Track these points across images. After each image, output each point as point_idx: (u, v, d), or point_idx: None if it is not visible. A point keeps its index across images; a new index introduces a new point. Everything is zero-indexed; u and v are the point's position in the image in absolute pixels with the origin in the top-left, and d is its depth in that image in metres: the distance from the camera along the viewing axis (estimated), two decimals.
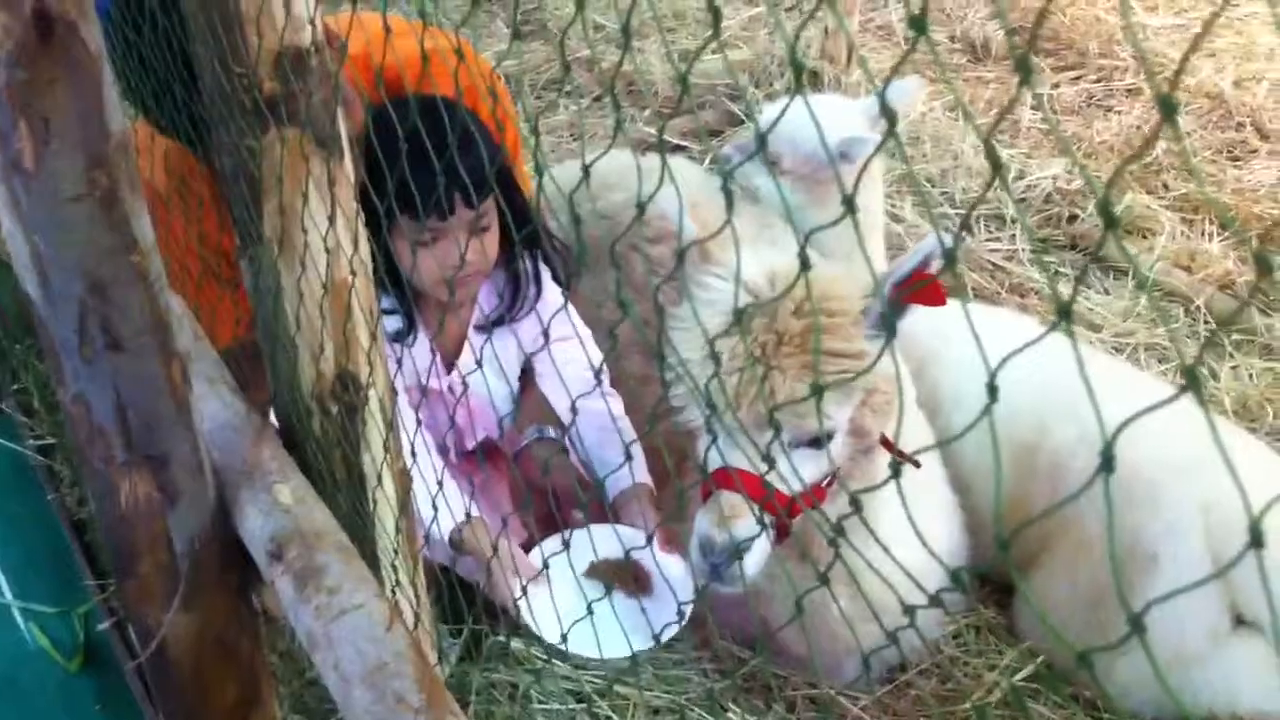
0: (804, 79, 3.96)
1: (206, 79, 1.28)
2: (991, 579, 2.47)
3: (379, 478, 1.38)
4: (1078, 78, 4.37)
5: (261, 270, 1.32)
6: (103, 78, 1.09)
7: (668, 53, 4.27)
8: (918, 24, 0.62)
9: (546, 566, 1.39)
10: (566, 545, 1.44)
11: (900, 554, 1.21)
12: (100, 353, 1.14)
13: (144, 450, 1.19)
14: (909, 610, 0.79)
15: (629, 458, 1.20)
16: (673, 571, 2.08)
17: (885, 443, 2.06)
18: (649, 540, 1.13)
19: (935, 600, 0.79)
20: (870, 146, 2.68)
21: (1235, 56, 4.39)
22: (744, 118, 3.94)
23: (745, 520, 1.90)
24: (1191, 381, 0.55)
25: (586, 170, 0.92)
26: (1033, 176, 3.68)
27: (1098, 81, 4.34)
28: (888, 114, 0.71)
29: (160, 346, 1.17)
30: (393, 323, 2.11)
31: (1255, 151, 3.91)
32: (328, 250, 1.30)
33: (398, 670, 1.07)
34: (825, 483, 2.01)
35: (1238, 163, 3.84)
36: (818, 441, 1.96)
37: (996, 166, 0.71)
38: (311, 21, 1.26)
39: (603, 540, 1.86)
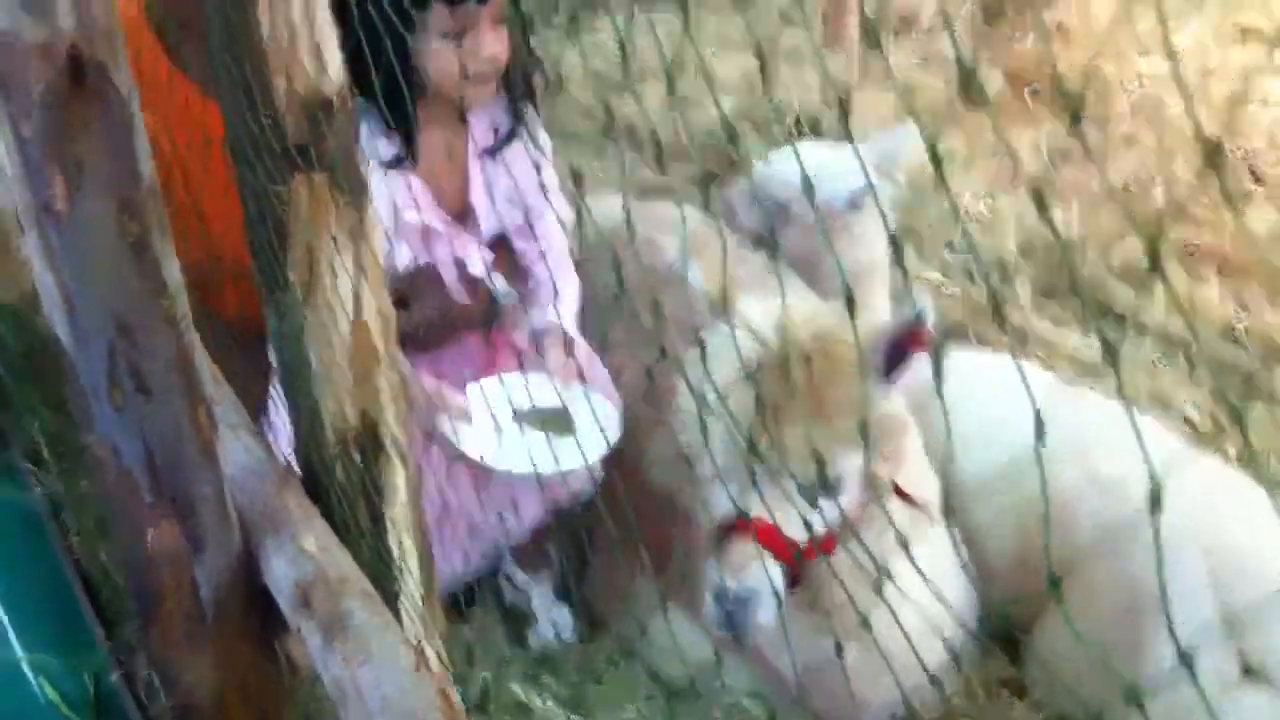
0: (804, 125, 4.01)
1: (232, 123, 1.29)
2: (1000, 629, 2.47)
3: (402, 525, 1.38)
4: (1075, 124, 4.40)
5: (286, 315, 1.32)
6: (134, 121, 1.09)
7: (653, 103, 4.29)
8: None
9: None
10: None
11: (912, 607, 1.21)
12: (129, 397, 1.13)
13: (171, 495, 1.19)
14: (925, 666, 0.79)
15: None
16: (601, 405, 2.15)
17: (897, 490, 2.06)
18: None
19: (951, 654, 0.79)
20: (880, 196, 2.70)
21: (1229, 104, 4.42)
22: (743, 163, 3.96)
23: (757, 568, 1.90)
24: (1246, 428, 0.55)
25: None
26: (1031, 222, 3.70)
27: (1095, 129, 4.37)
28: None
29: (188, 390, 1.17)
30: (389, 150, 2.08)
31: (1249, 195, 3.93)
32: (355, 296, 1.30)
33: (426, 718, 1.06)
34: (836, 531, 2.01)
35: (1235, 209, 3.86)
36: (828, 489, 1.96)
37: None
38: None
39: (532, 384, 2.00)
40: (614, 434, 2.07)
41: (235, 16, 1.19)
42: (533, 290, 2.32)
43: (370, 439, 1.34)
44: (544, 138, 2.30)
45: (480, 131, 2.22)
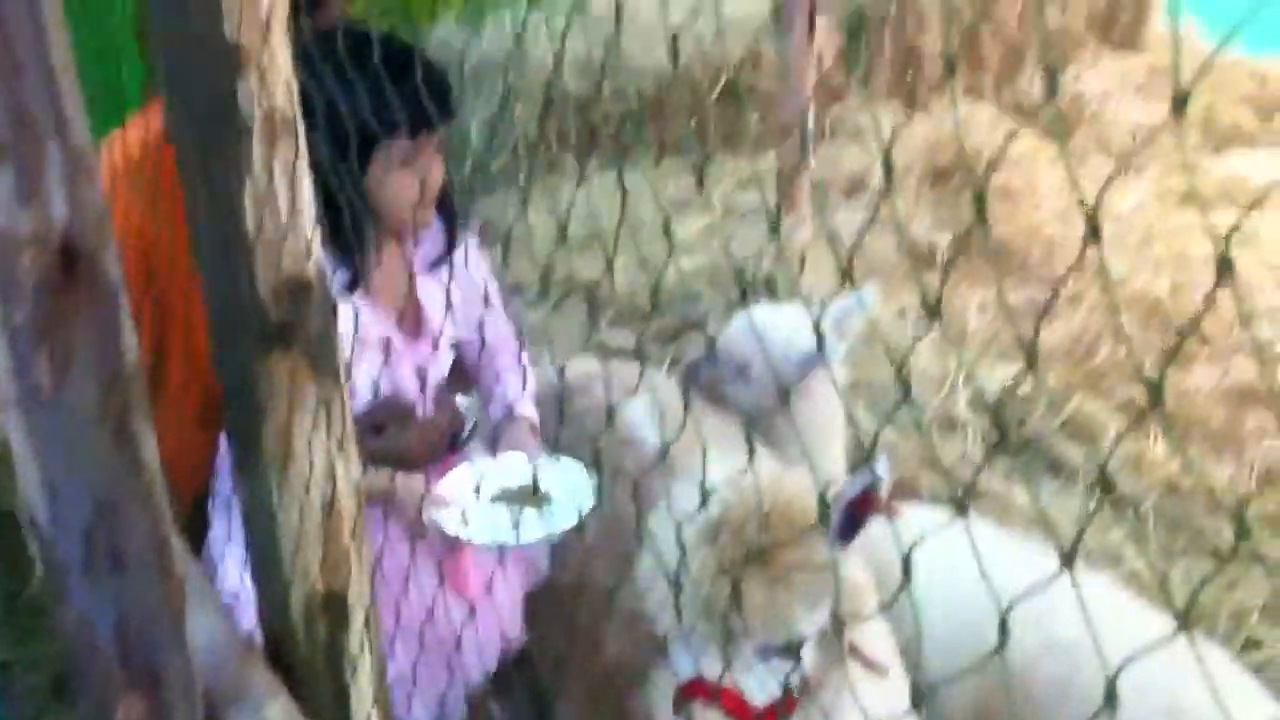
0: (760, 285, 4.11)
1: (214, 304, 1.33)
2: None
3: (367, 697, 1.39)
4: (1021, 284, 4.53)
5: (259, 489, 1.34)
6: (120, 305, 1.13)
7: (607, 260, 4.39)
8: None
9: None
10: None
11: None
12: (105, 573, 1.15)
13: (141, 669, 1.20)
14: None
15: None
16: (573, 477, 2.24)
17: (854, 650, 2.09)
18: None
19: None
20: (837, 357, 2.78)
21: (1171, 265, 4.57)
22: (701, 324, 4.05)
23: None
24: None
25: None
26: (982, 382, 3.79)
27: (1040, 288, 4.50)
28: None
29: (162, 567, 1.19)
30: (342, 278, 2.14)
31: (1194, 357, 4.05)
32: (328, 471, 1.33)
33: None
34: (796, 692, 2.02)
35: (1178, 367, 3.97)
36: (789, 650, 1.99)
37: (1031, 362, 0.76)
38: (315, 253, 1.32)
39: (505, 465, 2.15)
40: (589, 499, 2.14)
41: (222, 205, 1.24)
42: (491, 388, 2.46)
43: (337, 612, 1.36)
44: (475, 244, 2.40)
45: (425, 249, 2.32)
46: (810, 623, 2.01)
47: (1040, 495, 3.25)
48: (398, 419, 2.25)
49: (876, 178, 5.11)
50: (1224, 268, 0.62)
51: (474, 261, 2.32)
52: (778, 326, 2.99)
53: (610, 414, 1.99)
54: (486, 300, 2.27)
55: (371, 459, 2.07)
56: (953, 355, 3.95)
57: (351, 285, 2.16)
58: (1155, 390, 0.68)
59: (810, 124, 4.42)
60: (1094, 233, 0.68)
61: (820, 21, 4.48)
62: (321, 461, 1.32)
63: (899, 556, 2.51)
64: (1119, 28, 6.25)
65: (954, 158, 5.24)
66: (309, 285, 1.31)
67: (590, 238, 4.55)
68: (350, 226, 1.98)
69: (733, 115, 5.26)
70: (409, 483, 2.17)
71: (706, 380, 3.00)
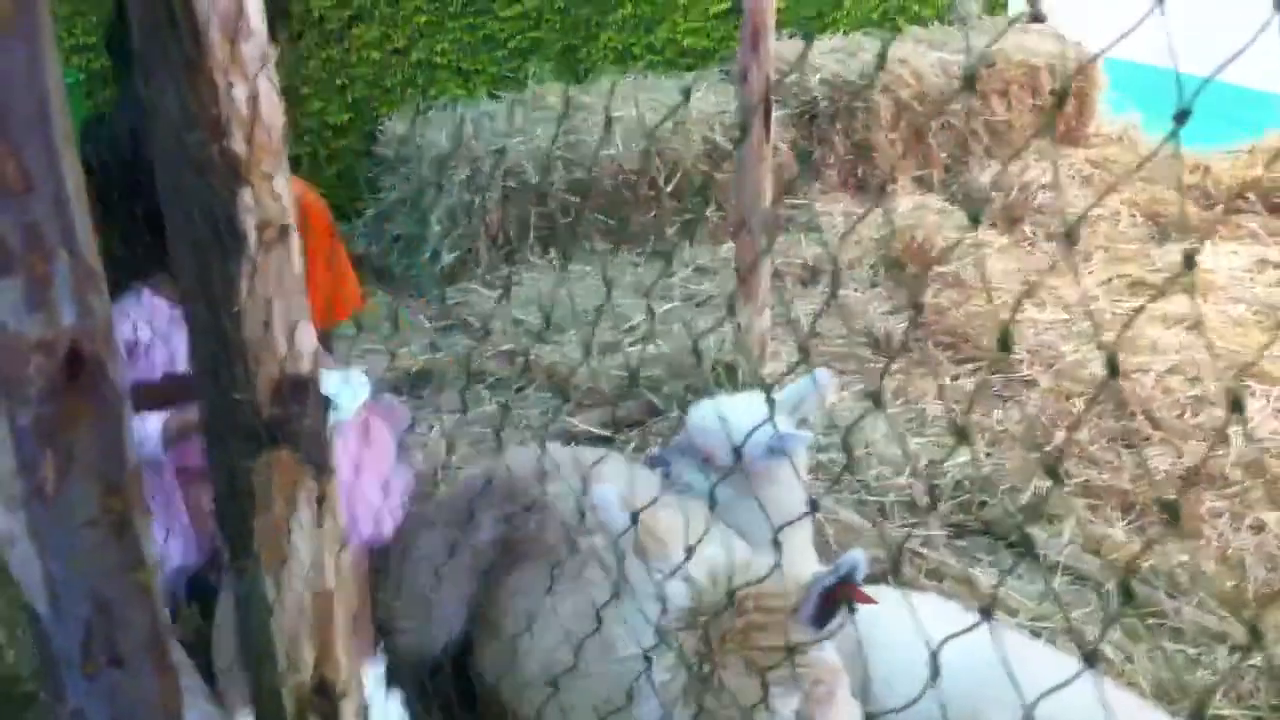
0: (720, 372, 4.17)
1: (207, 402, 1.36)
2: None
3: None
4: (976, 370, 4.63)
5: (250, 583, 1.37)
6: (124, 411, 1.17)
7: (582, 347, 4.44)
8: None
9: None
10: None
11: None
12: (103, 668, 1.17)
13: None
14: None
15: None
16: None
17: None
18: None
19: None
20: (800, 443, 2.83)
21: (1123, 350, 4.68)
22: (663, 410, 4.10)
23: None
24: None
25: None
26: (942, 466, 3.85)
27: (995, 373, 4.60)
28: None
29: (158, 661, 1.21)
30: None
31: (1149, 439, 4.14)
32: (318, 565, 1.36)
33: None
34: None
35: (1132, 449, 4.05)
36: None
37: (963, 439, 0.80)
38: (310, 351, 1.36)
39: None
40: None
41: (219, 309, 1.28)
42: None
43: (330, 701, 1.38)
44: None
45: None
46: (786, 706, 2.05)
47: (1004, 578, 3.30)
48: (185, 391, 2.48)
49: (828, 266, 5.21)
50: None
51: None
52: (739, 414, 3.04)
53: (580, 499, 2.03)
54: None
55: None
56: (910, 439, 4.02)
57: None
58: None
59: (766, 215, 4.51)
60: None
61: (775, 115, 4.59)
62: (314, 555, 1.35)
63: (869, 636, 2.54)
64: (1063, 122, 6.43)
65: (905, 247, 5.36)
66: (303, 384, 1.35)
67: (550, 325, 4.62)
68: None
69: (690, 206, 5.36)
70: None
71: (671, 468, 3.04)
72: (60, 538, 1.15)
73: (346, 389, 2.64)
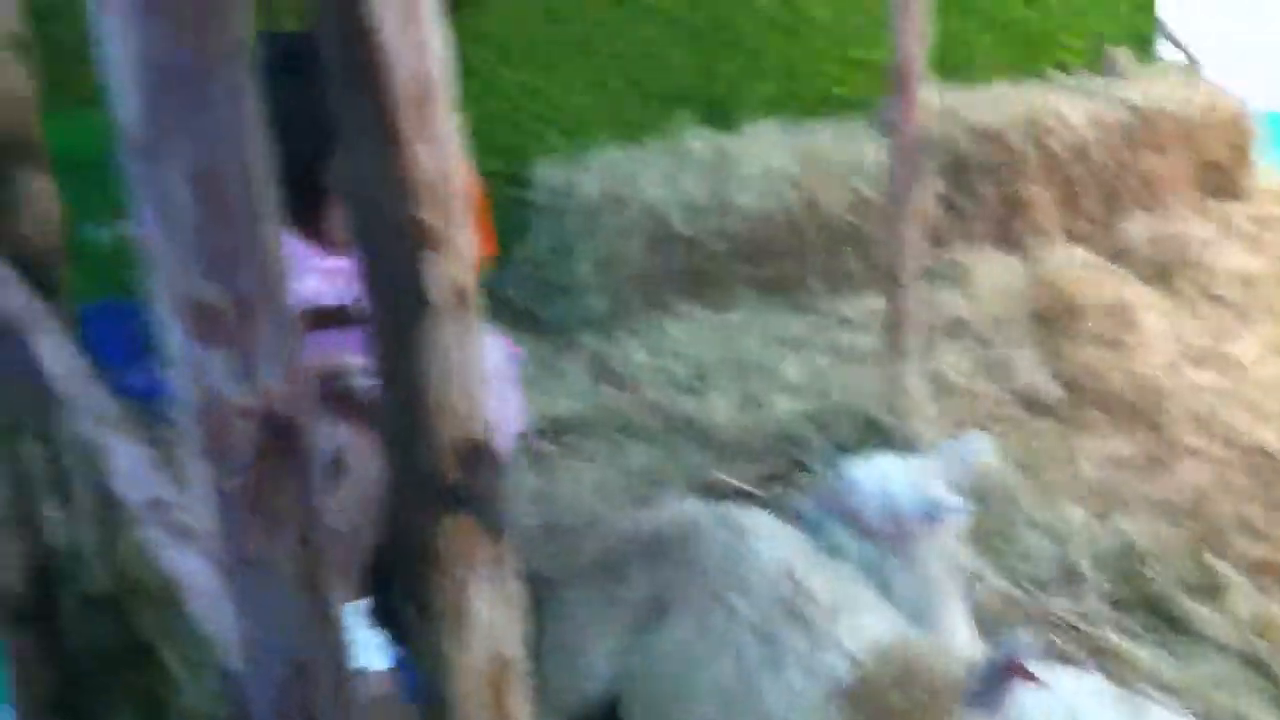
0: (870, 431, 4.10)
1: (391, 465, 1.38)
2: None
3: None
4: (1133, 433, 4.48)
5: (428, 646, 1.37)
6: (315, 470, 1.18)
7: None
8: None
9: None
10: None
11: None
12: None
13: None
14: None
15: None
16: None
17: None
18: None
19: None
20: (955, 510, 2.77)
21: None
22: (809, 466, 4.05)
23: None
24: None
25: None
26: (1098, 537, 3.73)
27: (1155, 439, 4.43)
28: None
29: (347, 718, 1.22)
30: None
31: None
32: (493, 628, 1.36)
33: None
34: None
35: None
36: None
37: None
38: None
39: None
40: None
41: (407, 374, 1.29)
42: None
43: None
44: None
45: None
46: None
47: (1166, 656, 3.18)
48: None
49: (979, 321, 5.11)
50: None
51: None
52: (893, 476, 2.99)
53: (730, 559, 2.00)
54: None
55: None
56: (1069, 507, 3.90)
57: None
58: None
59: (914, 267, 4.45)
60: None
61: (924, 163, 4.53)
62: (493, 620, 1.35)
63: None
64: (1219, 176, 6.25)
65: (1056, 303, 5.23)
66: (484, 448, 1.35)
67: (697, 376, 4.60)
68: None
69: (837, 256, 5.32)
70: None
71: (819, 528, 3.00)
72: (262, 600, 1.16)
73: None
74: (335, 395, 2.68)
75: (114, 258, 3.79)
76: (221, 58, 1.04)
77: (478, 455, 1.36)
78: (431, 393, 1.33)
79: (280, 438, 1.13)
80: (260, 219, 1.11)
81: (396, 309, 1.31)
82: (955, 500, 2.84)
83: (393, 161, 1.25)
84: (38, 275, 2.51)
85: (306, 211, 2.48)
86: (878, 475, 2.98)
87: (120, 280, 3.80)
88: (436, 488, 1.34)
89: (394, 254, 1.29)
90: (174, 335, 1.13)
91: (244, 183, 1.09)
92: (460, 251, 1.30)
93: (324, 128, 1.82)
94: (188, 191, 1.06)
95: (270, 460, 1.13)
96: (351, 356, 2.64)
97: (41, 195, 2.57)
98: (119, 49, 1.03)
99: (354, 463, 2.74)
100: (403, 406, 1.34)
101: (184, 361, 1.12)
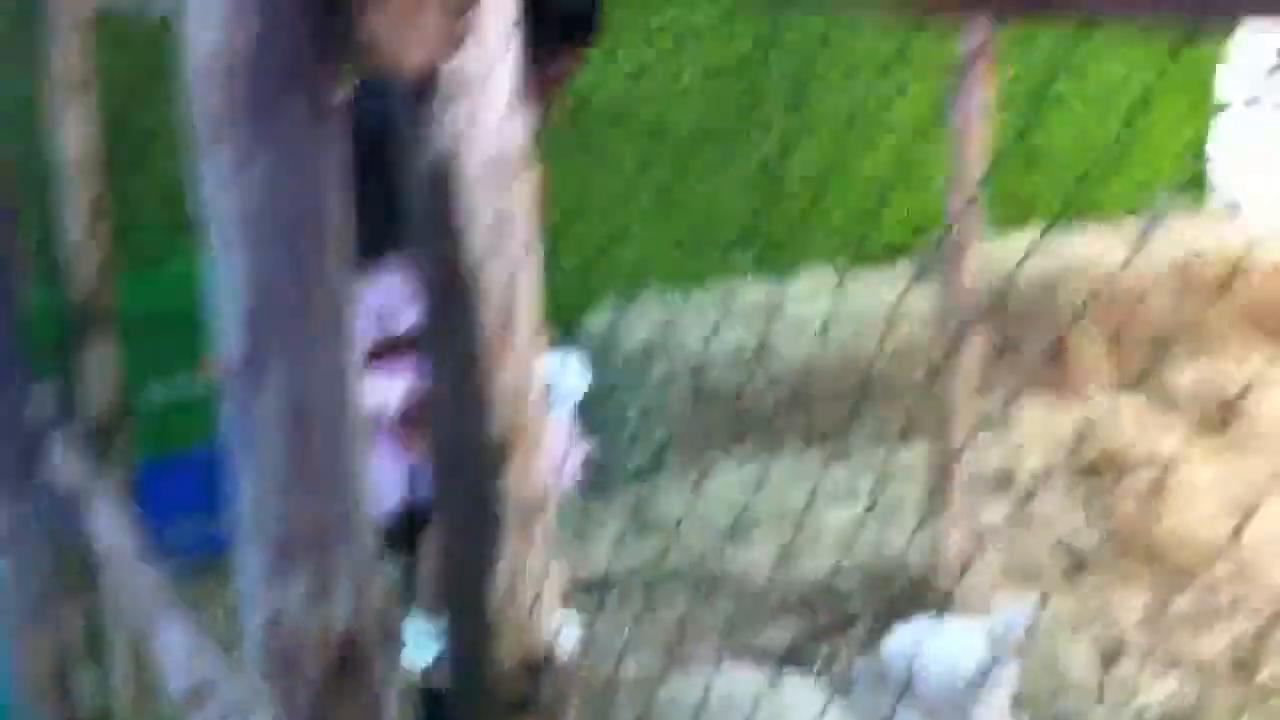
0: (914, 588, 4.08)
1: (456, 673, 1.39)
2: None
3: None
4: (1178, 589, 4.43)
5: None
6: (387, 703, 1.21)
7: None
8: None
9: None
10: None
11: None
12: None
13: None
14: None
15: None
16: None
17: None
18: None
19: None
20: (1006, 682, 2.75)
21: None
22: (853, 625, 4.02)
23: None
24: None
25: None
26: (1144, 697, 3.68)
27: (1199, 594, 4.38)
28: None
29: None
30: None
31: None
32: None
33: None
34: None
35: None
36: None
37: None
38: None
39: None
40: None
41: (475, 587, 1.31)
42: None
43: None
44: None
45: None
46: None
47: None
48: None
49: (1025, 472, 5.10)
50: None
51: None
52: (941, 643, 2.98)
53: None
54: None
55: None
56: (1113, 667, 3.86)
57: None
58: None
59: (962, 418, 4.46)
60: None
61: (973, 313, 4.57)
62: None
63: None
64: (1269, 320, 6.23)
65: (1101, 453, 5.21)
66: (548, 659, 1.37)
67: (739, 527, 4.60)
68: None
69: (880, 406, 5.33)
70: None
71: (865, 697, 2.98)
72: None
73: (564, 374, 3.09)
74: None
75: (173, 413, 3.87)
76: (324, 291, 1.09)
77: (541, 665, 1.38)
78: (495, 608, 1.35)
79: (350, 662, 1.15)
80: (349, 449, 1.15)
81: (467, 525, 1.34)
82: (1005, 669, 2.82)
83: (475, 383, 1.29)
84: (99, 439, 2.56)
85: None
86: (926, 642, 2.97)
87: (178, 434, 3.90)
88: (499, 699, 1.35)
89: (470, 469, 1.32)
90: (250, 557, 1.16)
91: (338, 415, 1.14)
92: (531, 465, 1.33)
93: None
94: (283, 422, 1.10)
95: (340, 687, 1.15)
96: None
97: (107, 360, 2.64)
98: (228, 279, 1.08)
99: None
100: (471, 619, 1.36)
101: (258, 582, 1.16)
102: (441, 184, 1.20)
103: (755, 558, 4.42)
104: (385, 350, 2.94)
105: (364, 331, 2.72)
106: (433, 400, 1.32)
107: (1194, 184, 6.84)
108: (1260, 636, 4.09)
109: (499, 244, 1.21)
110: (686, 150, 5.42)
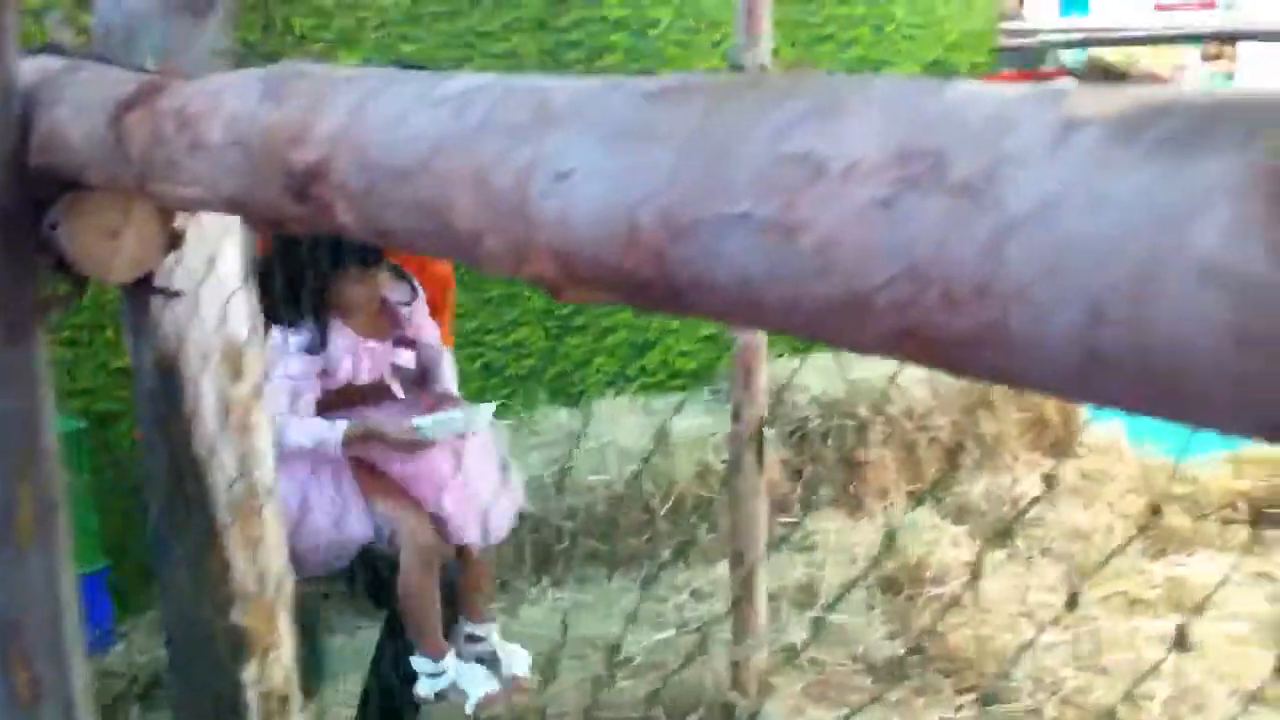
0: (717, 711, 4.09)
1: None
2: None
3: None
4: (977, 700, 4.54)
5: None
6: None
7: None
8: None
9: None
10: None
11: None
12: None
13: None
14: None
15: None
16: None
17: None
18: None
19: None
20: None
21: (1125, 674, 4.61)
22: None
23: None
24: None
25: None
26: None
27: (996, 704, 4.51)
28: None
29: None
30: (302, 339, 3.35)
31: None
32: None
33: None
34: None
35: None
36: None
37: None
38: None
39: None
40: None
41: None
42: (435, 376, 3.77)
43: None
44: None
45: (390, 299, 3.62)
46: None
47: None
48: (373, 394, 3.53)
49: (826, 587, 5.19)
50: None
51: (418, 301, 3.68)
52: None
53: None
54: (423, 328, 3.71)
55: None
56: None
57: (314, 345, 3.34)
58: None
59: (761, 537, 4.52)
60: None
61: (767, 435, 4.66)
62: None
63: None
64: (1049, 434, 6.53)
65: (899, 566, 5.35)
66: None
67: (545, 660, 4.55)
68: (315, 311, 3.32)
69: (684, 528, 5.38)
70: (393, 419, 3.42)
71: None
72: None
73: (475, 414, 3.49)
74: (369, 470, 3.40)
75: None
76: None
77: None
78: None
79: None
80: (65, 654, 1.11)
81: (215, 713, 1.31)
82: None
83: (213, 572, 1.27)
84: None
85: (332, 307, 3.35)
86: None
87: None
88: None
89: (211, 661, 1.29)
90: None
91: (50, 612, 1.10)
92: (278, 657, 1.30)
93: (338, 251, 3.18)
94: None
95: None
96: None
97: None
98: None
99: (407, 536, 3.39)
100: None
101: None
102: (167, 374, 1.18)
103: (560, 690, 4.38)
104: (337, 400, 3.42)
105: (310, 390, 3.32)
106: (166, 591, 1.29)
107: None
108: None
109: (227, 431, 1.20)
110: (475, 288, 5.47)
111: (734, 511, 4.49)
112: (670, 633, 4.80)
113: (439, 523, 3.46)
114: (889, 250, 0.43)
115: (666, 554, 5.30)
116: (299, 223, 0.78)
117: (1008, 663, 4.72)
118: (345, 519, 3.35)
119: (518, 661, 3.85)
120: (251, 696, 1.26)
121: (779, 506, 5.56)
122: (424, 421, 3.37)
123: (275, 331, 3.24)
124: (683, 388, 5.90)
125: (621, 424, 5.38)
